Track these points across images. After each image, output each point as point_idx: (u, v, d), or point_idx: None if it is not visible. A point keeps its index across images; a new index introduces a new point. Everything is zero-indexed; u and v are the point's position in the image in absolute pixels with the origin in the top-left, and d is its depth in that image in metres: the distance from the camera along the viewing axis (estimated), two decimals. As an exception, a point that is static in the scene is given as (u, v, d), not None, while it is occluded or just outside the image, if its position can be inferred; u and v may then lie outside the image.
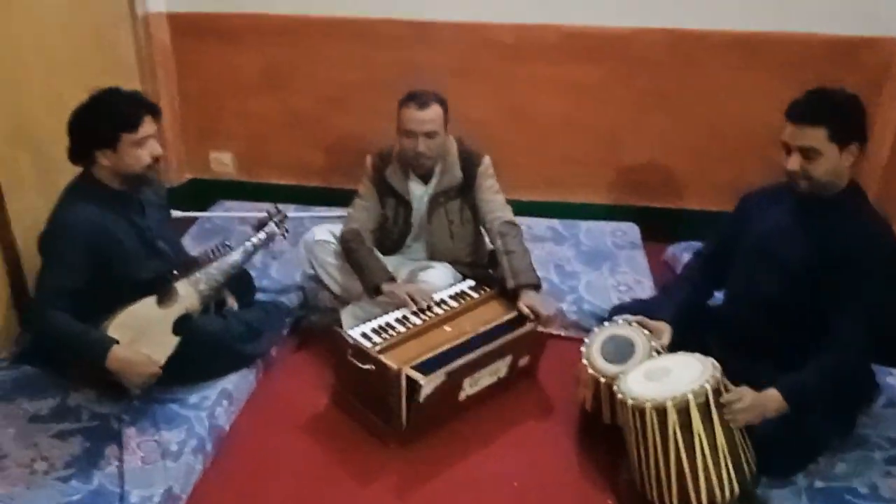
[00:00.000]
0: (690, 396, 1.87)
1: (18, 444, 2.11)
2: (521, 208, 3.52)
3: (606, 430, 2.23)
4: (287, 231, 2.66)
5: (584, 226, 3.50)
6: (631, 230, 3.47)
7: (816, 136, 1.99)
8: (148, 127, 2.19)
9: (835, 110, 2.01)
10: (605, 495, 2.15)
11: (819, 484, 2.04)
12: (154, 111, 2.22)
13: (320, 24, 3.46)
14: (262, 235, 2.54)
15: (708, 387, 1.89)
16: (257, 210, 2.82)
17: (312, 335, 2.78)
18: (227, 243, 2.51)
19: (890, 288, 2.03)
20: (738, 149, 3.38)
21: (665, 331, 2.27)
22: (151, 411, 2.24)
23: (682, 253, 3.20)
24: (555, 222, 3.53)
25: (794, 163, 2.04)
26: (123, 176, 2.21)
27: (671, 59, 3.34)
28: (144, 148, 2.18)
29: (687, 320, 2.32)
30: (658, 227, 3.50)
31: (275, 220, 2.60)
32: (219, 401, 2.33)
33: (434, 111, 2.60)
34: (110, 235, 2.18)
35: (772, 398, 1.98)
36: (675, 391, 1.90)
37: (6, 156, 2.51)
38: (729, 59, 3.28)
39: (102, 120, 2.14)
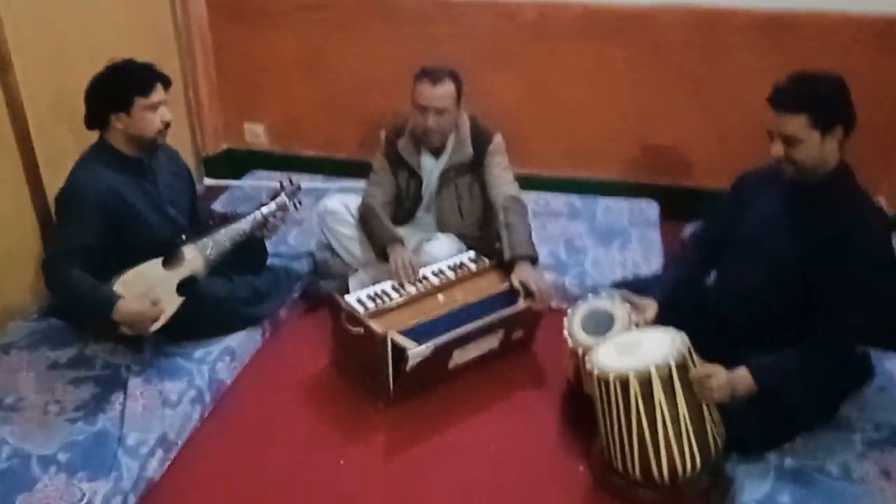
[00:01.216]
0: (653, 369, 1.92)
1: (37, 387, 2.30)
2: (543, 184, 3.61)
3: (587, 400, 2.28)
4: (300, 202, 2.77)
5: (603, 202, 3.53)
6: (650, 207, 3.47)
7: (797, 124, 1.97)
8: (159, 93, 2.34)
9: (815, 97, 1.98)
10: (577, 462, 2.23)
11: (789, 462, 2.05)
12: (165, 80, 2.37)
13: (350, 3, 3.56)
14: (272, 206, 2.66)
15: (672, 361, 1.92)
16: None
17: (322, 300, 2.90)
18: (239, 211, 2.65)
19: (877, 274, 2.01)
20: (762, 132, 3.32)
21: (650, 307, 2.29)
22: (157, 363, 2.41)
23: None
24: (574, 198, 3.56)
25: (777, 149, 2.03)
26: (136, 140, 2.36)
27: (696, 38, 3.30)
28: (156, 113, 2.33)
29: (676, 299, 2.34)
30: (679, 205, 3.48)
31: (287, 191, 2.72)
32: (221, 356, 2.49)
33: (447, 88, 2.67)
34: (122, 198, 2.34)
35: (741, 377, 2.00)
36: (640, 363, 1.94)
37: (49, 128, 2.71)
38: (757, 39, 3.22)
39: (118, 84, 2.30)
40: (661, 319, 2.24)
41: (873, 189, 3.28)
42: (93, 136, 2.42)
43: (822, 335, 2.01)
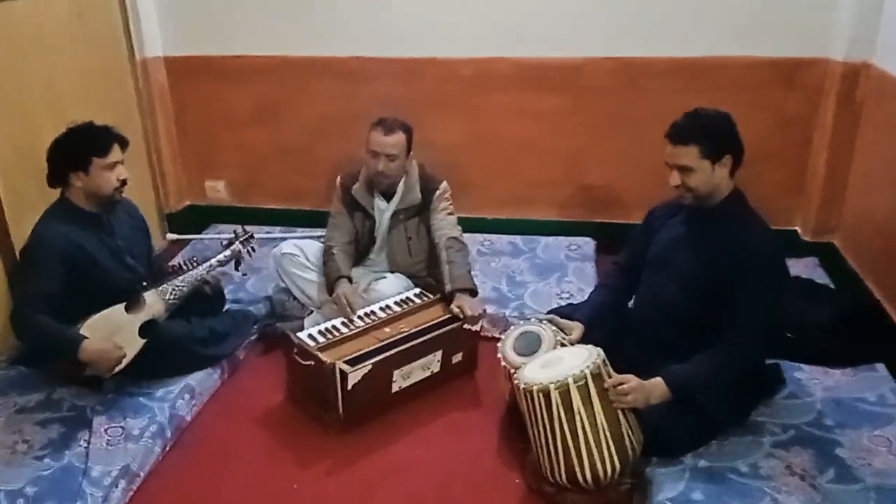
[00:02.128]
0: (570, 380, 2.12)
1: (5, 429, 2.45)
2: (487, 226, 3.85)
3: (522, 418, 2.48)
4: (253, 249, 2.98)
5: (543, 241, 3.77)
6: (586, 245, 3.71)
7: (689, 154, 2.24)
8: (116, 154, 2.55)
9: (705, 130, 2.25)
10: (513, 474, 2.40)
11: (703, 463, 2.24)
12: (122, 141, 2.58)
13: (301, 64, 3.82)
14: (227, 252, 2.87)
15: (588, 371, 2.13)
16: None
17: (278, 341, 3.07)
18: (195, 259, 2.85)
19: (767, 286, 2.25)
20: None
21: (576, 328, 2.51)
22: (121, 403, 2.57)
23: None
24: (516, 238, 3.80)
25: (674, 179, 2.29)
26: (94, 196, 2.56)
27: (620, 85, 3.61)
28: (113, 172, 2.54)
29: (599, 320, 2.57)
30: (614, 240, 3.71)
31: (241, 239, 2.93)
32: (181, 394, 2.65)
33: (397, 137, 2.94)
34: (84, 250, 2.53)
35: (656, 385, 2.22)
36: (559, 375, 2.14)
37: (14, 182, 2.88)
38: (673, 83, 3.53)
39: (77, 145, 2.51)
40: (588, 339, 2.46)
41: (788, 219, 3.60)
42: (56, 193, 2.61)
43: (726, 343, 2.24)
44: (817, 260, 3.52)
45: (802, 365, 2.70)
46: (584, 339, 2.48)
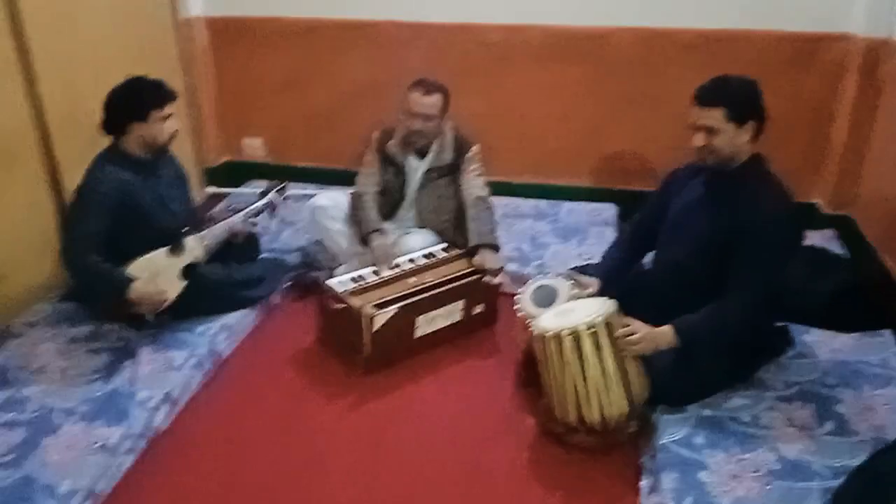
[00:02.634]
0: (582, 327, 2.25)
1: (58, 356, 2.65)
2: (512, 190, 3.96)
3: (537, 363, 2.62)
4: (286, 198, 3.14)
5: (566, 205, 3.89)
6: (608, 210, 3.83)
7: (715, 116, 2.32)
8: (171, 107, 2.73)
9: (731, 94, 2.34)
10: (526, 416, 2.56)
11: (707, 412, 2.37)
12: (174, 96, 2.75)
13: (334, 27, 3.96)
14: (263, 201, 3.03)
15: (599, 319, 2.26)
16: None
17: (310, 289, 3.24)
18: (232, 207, 3.02)
19: (779, 250, 2.34)
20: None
21: (592, 284, 2.64)
22: (164, 337, 2.76)
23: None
24: (541, 202, 3.93)
25: (698, 139, 2.37)
26: (148, 145, 2.73)
27: (643, 56, 3.69)
28: (166, 123, 2.71)
29: (614, 276, 2.70)
30: (635, 207, 3.82)
31: (275, 189, 3.10)
32: (219, 332, 2.85)
33: (435, 98, 3.07)
34: (131, 193, 2.70)
35: (664, 333, 2.34)
36: (572, 323, 2.28)
37: (65, 133, 3.07)
38: (695, 55, 3.60)
39: (138, 97, 2.68)
40: (603, 294, 2.58)
41: (807, 192, 3.68)
42: (101, 141, 2.77)
43: (731, 295, 2.34)
44: (835, 232, 3.59)
45: (811, 328, 2.80)
46: (599, 295, 2.60)
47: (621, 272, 2.74)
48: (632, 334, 2.31)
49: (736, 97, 2.33)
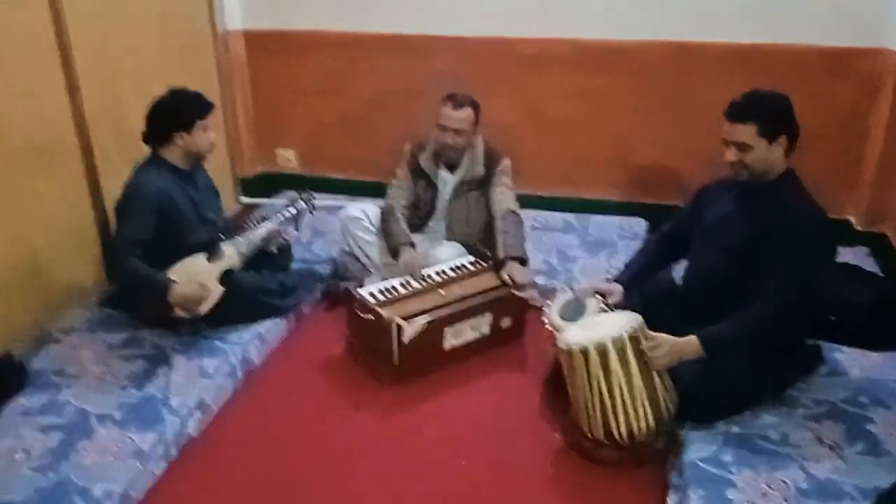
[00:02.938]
0: (608, 341, 2.25)
1: (95, 362, 2.71)
2: (541, 203, 3.99)
3: (564, 378, 2.63)
4: (314, 208, 3.20)
5: (595, 219, 3.90)
6: (638, 224, 3.83)
7: (747, 132, 2.33)
8: (211, 118, 2.80)
9: (763, 110, 2.34)
10: (553, 430, 2.57)
11: (735, 429, 2.35)
12: (213, 107, 2.83)
13: (369, 40, 4.02)
14: (292, 210, 3.09)
15: (625, 334, 2.26)
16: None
17: (340, 299, 3.28)
18: (264, 216, 3.08)
19: (808, 258, 2.32)
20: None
21: (616, 291, 2.65)
22: (198, 344, 2.81)
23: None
24: (569, 215, 3.94)
25: (730, 155, 2.38)
26: (191, 155, 2.80)
27: (673, 68, 3.70)
28: (207, 133, 2.78)
29: (637, 283, 2.71)
30: (663, 221, 3.82)
31: (303, 197, 3.15)
32: (252, 340, 2.90)
33: (465, 113, 3.11)
34: (172, 201, 2.76)
35: (689, 343, 2.33)
36: (598, 337, 2.29)
37: (104, 143, 3.15)
38: (725, 68, 3.60)
39: (183, 108, 2.75)
40: (626, 300, 2.59)
41: (840, 208, 3.64)
42: (138, 147, 2.83)
43: (758, 304, 2.33)
44: (868, 249, 3.56)
45: (843, 346, 2.77)
46: (622, 301, 2.62)
47: (644, 278, 2.75)
48: (657, 346, 2.30)
49: (768, 112, 2.34)
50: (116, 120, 3.18)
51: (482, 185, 3.25)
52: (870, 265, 3.40)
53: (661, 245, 2.80)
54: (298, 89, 4.23)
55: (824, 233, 2.39)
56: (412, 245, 3.13)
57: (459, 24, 3.85)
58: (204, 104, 2.78)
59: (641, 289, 2.66)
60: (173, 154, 2.80)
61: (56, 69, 2.94)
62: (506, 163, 3.26)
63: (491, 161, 3.24)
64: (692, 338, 2.33)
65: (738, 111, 2.35)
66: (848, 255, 3.42)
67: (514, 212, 3.18)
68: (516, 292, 2.92)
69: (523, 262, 3.04)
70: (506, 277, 2.94)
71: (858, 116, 3.54)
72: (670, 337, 2.32)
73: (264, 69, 4.23)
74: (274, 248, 3.11)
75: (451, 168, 3.25)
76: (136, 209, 2.70)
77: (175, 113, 2.74)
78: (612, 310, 2.58)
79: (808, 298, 2.37)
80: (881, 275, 3.31)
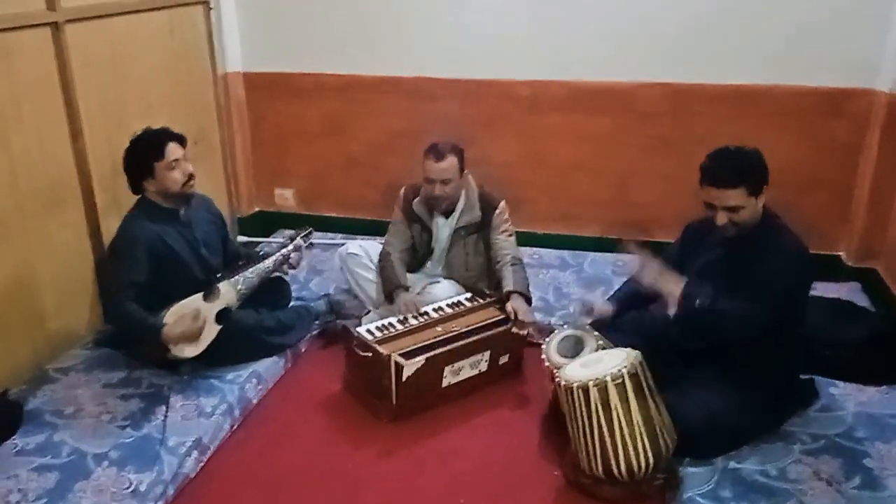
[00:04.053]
0: (609, 378, 2.27)
1: (91, 401, 2.71)
2: (538, 240, 4.03)
3: (564, 417, 2.63)
4: (311, 244, 3.23)
5: (591, 256, 3.93)
6: (633, 262, 3.84)
7: (738, 196, 2.37)
8: (174, 152, 2.79)
9: (747, 171, 2.39)
10: (552, 467, 2.57)
11: (733, 465, 2.36)
12: (177, 138, 2.83)
13: (371, 82, 4.09)
14: (290, 247, 3.12)
15: (625, 371, 2.28)
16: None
17: (337, 336, 3.29)
18: (262, 253, 3.11)
19: (780, 273, 2.36)
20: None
21: (606, 309, 2.69)
22: (195, 383, 2.82)
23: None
24: (564, 253, 3.97)
25: (721, 218, 2.42)
26: (167, 195, 2.82)
27: (670, 109, 3.77)
28: (177, 170, 2.79)
29: (628, 304, 2.76)
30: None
31: (301, 235, 3.18)
32: (249, 379, 2.90)
33: (449, 162, 3.11)
34: (163, 241, 2.79)
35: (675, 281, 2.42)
36: (598, 374, 2.30)
37: (109, 182, 3.19)
38: (722, 109, 3.67)
39: (138, 155, 2.79)
40: (616, 320, 2.67)
41: (832, 244, 3.69)
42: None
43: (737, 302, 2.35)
44: (860, 285, 3.59)
45: (837, 381, 2.79)
46: (613, 320, 2.69)
47: (635, 301, 2.76)
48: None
49: (751, 172, 2.40)
50: (118, 163, 3.20)
51: (480, 228, 3.26)
52: (861, 300, 3.43)
53: None
54: (298, 130, 4.29)
55: (805, 262, 2.44)
56: (406, 289, 3.15)
57: (457, 66, 3.93)
58: (160, 142, 2.77)
59: (639, 325, 2.68)
60: (154, 196, 2.83)
61: (61, 113, 2.99)
62: (502, 205, 3.26)
63: (487, 205, 3.25)
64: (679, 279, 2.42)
65: (725, 177, 2.38)
66: (840, 290, 3.46)
67: (520, 259, 3.21)
68: (515, 329, 2.93)
69: (528, 300, 3.07)
70: (509, 310, 2.96)
71: (849, 154, 3.60)
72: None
73: (264, 110, 4.30)
74: (286, 271, 3.13)
75: (446, 214, 3.26)
76: (125, 252, 2.73)
77: (134, 161, 2.79)
78: (610, 346, 2.60)
79: (777, 311, 2.36)
80: (873, 310, 3.34)
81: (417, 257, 3.36)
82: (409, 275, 3.29)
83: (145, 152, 2.77)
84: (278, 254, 3.07)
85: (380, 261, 3.29)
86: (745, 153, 2.42)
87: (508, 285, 3.06)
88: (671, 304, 2.41)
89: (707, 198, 2.43)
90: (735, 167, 2.39)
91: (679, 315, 2.40)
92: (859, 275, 3.64)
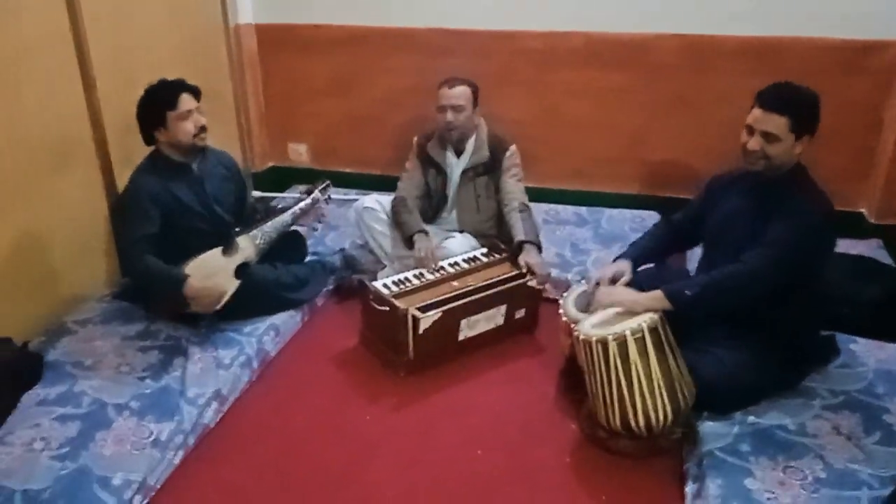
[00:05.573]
0: (628, 332, 2.26)
1: (110, 353, 2.72)
2: (553, 196, 3.98)
3: (581, 373, 2.62)
4: (329, 198, 3.20)
5: (608, 212, 3.89)
6: (651, 218, 3.81)
7: (779, 123, 2.28)
8: (187, 103, 2.74)
9: (799, 105, 2.31)
10: (569, 421, 2.57)
11: (752, 419, 2.36)
12: (192, 90, 2.78)
13: (379, 34, 4.03)
14: (308, 200, 3.09)
15: (645, 325, 2.26)
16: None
17: (352, 291, 3.29)
18: (280, 206, 3.08)
19: (801, 241, 2.30)
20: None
21: (626, 270, 2.64)
22: (213, 336, 2.82)
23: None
24: (581, 209, 3.94)
25: (754, 143, 2.33)
26: (179, 147, 2.78)
27: (686, 63, 3.68)
28: (188, 120, 2.75)
29: (645, 261, 2.73)
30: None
31: (319, 188, 3.15)
32: (267, 332, 2.90)
33: (461, 90, 3.15)
34: (172, 195, 2.77)
35: (653, 298, 2.37)
36: (618, 329, 2.29)
37: (121, 136, 3.16)
38: (740, 63, 3.59)
39: (151, 104, 2.75)
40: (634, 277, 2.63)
41: (854, 201, 3.64)
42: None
43: (733, 267, 2.34)
44: (881, 241, 3.55)
45: (858, 338, 2.77)
46: (634, 280, 2.62)
47: (651, 258, 2.75)
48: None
49: (802, 109, 2.31)
50: (131, 115, 3.18)
51: (490, 170, 3.26)
52: (883, 257, 3.40)
53: (668, 232, 2.79)
54: (310, 84, 4.24)
55: (826, 227, 2.38)
56: (426, 233, 3.14)
57: (468, 17, 3.85)
58: (173, 91, 2.73)
59: (657, 281, 2.65)
60: (166, 148, 2.80)
61: (73, 67, 2.96)
62: (513, 149, 3.26)
63: (497, 146, 3.25)
64: (657, 291, 2.37)
65: (774, 101, 2.30)
66: (861, 247, 3.42)
67: (527, 205, 3.20)
68: (531, 283, 2.91)
69: (539, 248, 3.07)
70: (522, 264, 2.96)
71: (872, 109, 3.52)
72: (628, 291, 2.45)
73: (276, 63, 4.24)
74: (315, 227, 3.14)
75: (458, 152, 3.27)
76: (135, 206, 2.72)
77: (147, 110, 2.75)
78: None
79: (782, 274, 2.32)
80: (895, 266, 3.31)
81: (432, 205, 3.35)
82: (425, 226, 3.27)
83: (158, 101, 2.73)
84: (296, 207, 3.05)
85: (394, 207, 3.28)
86: (805, 90, 2.34)
87: (519, 234, 3.07)
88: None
89: (750, 120, 2.34)
90: (789, 96, 2.31)
91: (682, 307, 2.37)
92: (881, 232, 3.59)
